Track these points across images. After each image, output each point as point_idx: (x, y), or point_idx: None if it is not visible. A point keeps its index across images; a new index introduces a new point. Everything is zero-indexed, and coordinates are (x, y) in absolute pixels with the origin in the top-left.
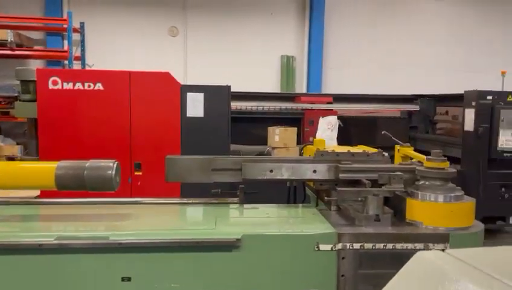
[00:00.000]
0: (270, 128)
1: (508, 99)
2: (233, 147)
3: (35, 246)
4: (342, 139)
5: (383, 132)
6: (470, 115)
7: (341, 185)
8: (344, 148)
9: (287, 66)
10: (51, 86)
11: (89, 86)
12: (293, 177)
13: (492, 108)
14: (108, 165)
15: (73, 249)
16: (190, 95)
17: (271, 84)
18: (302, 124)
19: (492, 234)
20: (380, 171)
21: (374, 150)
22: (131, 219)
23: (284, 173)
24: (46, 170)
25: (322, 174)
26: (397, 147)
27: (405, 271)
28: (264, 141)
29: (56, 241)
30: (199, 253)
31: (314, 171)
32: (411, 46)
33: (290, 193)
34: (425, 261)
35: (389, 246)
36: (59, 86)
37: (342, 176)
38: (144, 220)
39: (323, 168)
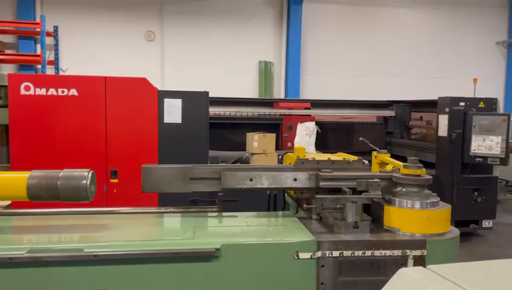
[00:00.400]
0: (249, 134)
1: (480, 105)
2: (211, 153)
3: (6, 260)
4: (319, 145)
5: (360, 139)
6: (443, 121)
7: (322, 193)
8: (324, 156)
9: (265, 71)
10: (22, 92)
11: (63, 92)
12: (274, 186)
13: (465, 114)
14: (83, 175)
15: (46, 262)
16: (167, 101)
17: (249, 89)
18: (281, 129)
19: (466, 237)
20: (360, 179)
21: (354, 158)
22: (106, 229)
23: (264, 181)
24: (18, 180)
25: (303, 183)
26: (374, 153)
27: (388, 288)
28: (242, 146)
29: (28, 255)
30: (177, 264)
31: (295, 180)
32: (387, 53)
33: (270, 201)
34: (407, 279)
35: (368, 253)
36: (31, 92)
37: (322, 184)
38: (120, 230)
39: (304, 176)
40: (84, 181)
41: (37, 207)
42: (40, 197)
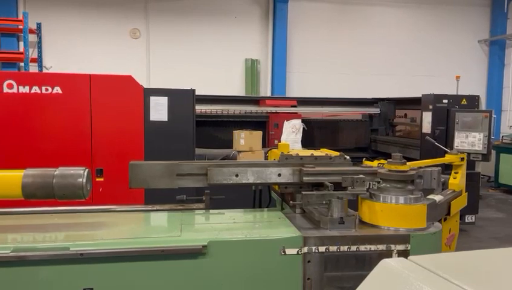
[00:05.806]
0: (235, 132)
1: (462, 102)
2: (198, 151)
3: None
4: (305, 142)
5: (426, 138)
6: (427, 118)
7: (305, 188)
8: (307, 152)
9: (252, 69)
10: (5, 90)
11: (47, 90)
12: (259, 181)
13: (448, 111)
14: (79, 173)
15: (32, 262)
16: (153, 99)
17: (236, 87)
18: (267, 127)
19: None
20: (342, 174)
21: (336, 154)
22: (92, 227)
23: (249, 177)
24: (12, 178)
25: (287, 178)
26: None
27: (370, 279)
28: (229, 144)
29: (13, 254)
30: (164, 261)
31: (279, 175)
32: (372, 51)
33: (255, 197)
34: (389, 269)
35: (353, 248)
36: (14, 90)
37: (305, 179)
38: (106, 228)
39: (288, 171)
40: (80, 179)
41: (20, 206)
42: (35, 195)
